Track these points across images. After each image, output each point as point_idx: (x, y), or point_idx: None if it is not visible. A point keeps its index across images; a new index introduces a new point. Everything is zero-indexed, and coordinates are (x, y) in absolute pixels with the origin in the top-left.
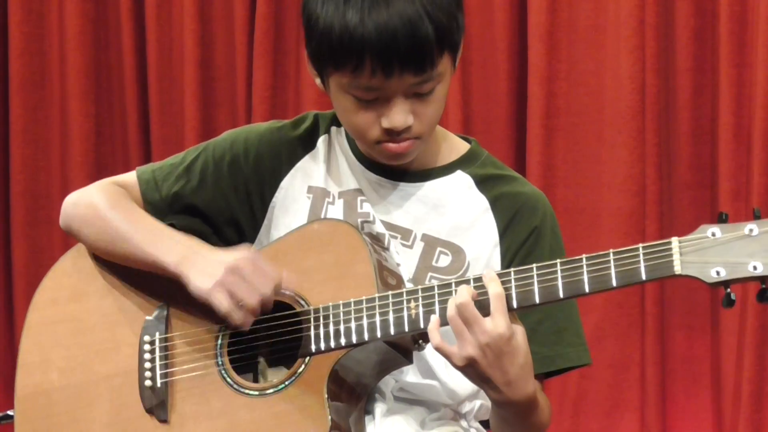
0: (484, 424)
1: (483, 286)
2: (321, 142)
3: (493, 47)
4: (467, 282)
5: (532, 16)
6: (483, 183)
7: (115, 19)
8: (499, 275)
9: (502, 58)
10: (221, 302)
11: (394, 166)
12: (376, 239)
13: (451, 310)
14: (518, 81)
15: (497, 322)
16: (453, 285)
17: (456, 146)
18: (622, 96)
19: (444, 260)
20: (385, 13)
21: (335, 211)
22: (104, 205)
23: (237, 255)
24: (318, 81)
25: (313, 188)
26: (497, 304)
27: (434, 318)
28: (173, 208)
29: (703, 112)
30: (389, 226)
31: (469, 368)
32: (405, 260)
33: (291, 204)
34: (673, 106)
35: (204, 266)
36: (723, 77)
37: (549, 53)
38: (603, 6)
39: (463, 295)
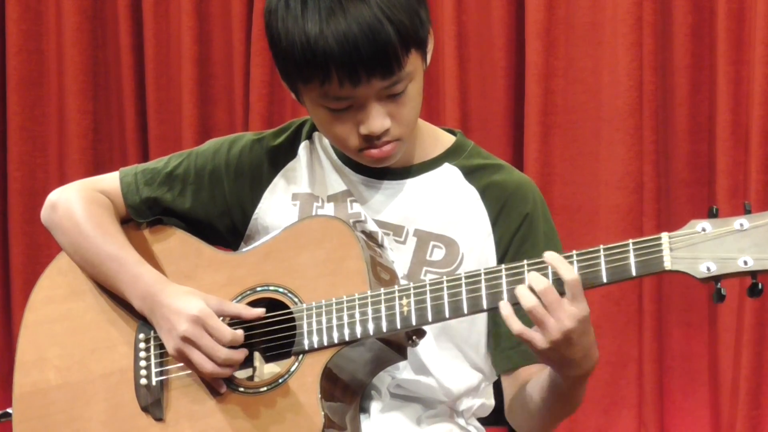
0: (482, 421)
1: (477, 278)
2: (302, 148)
3: (491, 44)
4: (459, 278)
5: (529, 13)
6: (471, 174)
7: (112, 16)
8: (489, 271)
9: (499, 56)
10: (188, 367)
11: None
12: (371, 237)
13: (530, 300)
14: (516, 78)
15: (581, 306)
16: (444, 282)
17: (441, 139)
18: (620, 93)
19: (438, 254)
20: (344, 22)
21: (325, 214)
22: (81, 219)
23: (190, 315)
24: (294, 96)
25: (299, 195)
26: (577, 289)
27: (504, 304)
28: (153, 211)
29: (701, 109)
30: (381, 224)
31: (552, 351)
32: (399, 257)
33: (276, 212)
34: (670, 103)
35: (164, 323)
36: (720, 74)
37: (546, 50)
38: (600, 3)
39: (542, 281)
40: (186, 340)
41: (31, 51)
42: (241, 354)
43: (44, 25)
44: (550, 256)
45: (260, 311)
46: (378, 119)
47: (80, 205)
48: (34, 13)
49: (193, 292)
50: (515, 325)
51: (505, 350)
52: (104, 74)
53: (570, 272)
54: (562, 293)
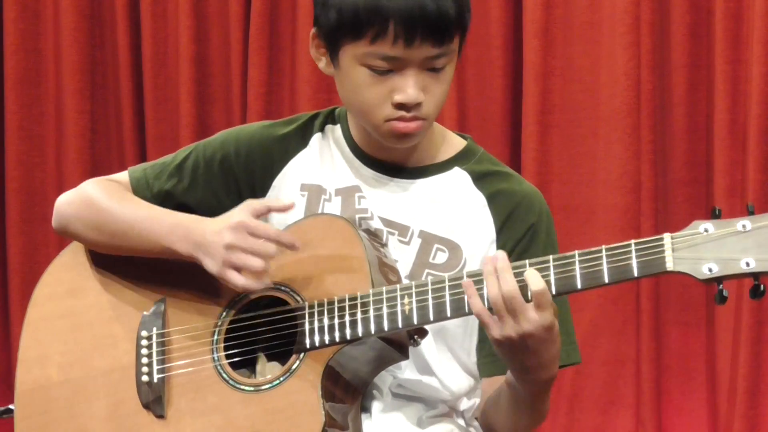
0: None
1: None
2: (314, 139)
3: (489, 44)
4: (460, 278)
5: (527, 12)
6: (480, 180)
7: (110, 16)
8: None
9: (497, 55)
10: (234, 280)
11: (392, 162)
12: (375, 235)
13: (497, 299)
14: (513, 77)
15: (544, 315)
16: (446, 281)
17: (452, 143)
18: (617, 92)
19: (441, 257)
20: None
21: (332, 207)
22: (100, 198)
23: (230, 224)
24: (322, 63)
25: (307, 186)
26: (542, 299)
27: (468, 281)
28: (164, 206)
29: (699, 108)
30: (386, 223)
31: (505, 346)
32: (402, 257)
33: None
34: (668, 103)
35: (207, 247)
36: (718, 74)
37: (544, 50)
38: (598, 2)
39: (511, 285)
40: (230, 247)
41: (29, 50)
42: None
43: (42, 24)
44: (529, 271)
45: (291, 202)
46: (415, 89)
47: (95, 189)
48: (32, 13)
49: (231, 211)
50: (476, 304)
51: (488, 356)
52: (102, 74)
53: (537, 283)
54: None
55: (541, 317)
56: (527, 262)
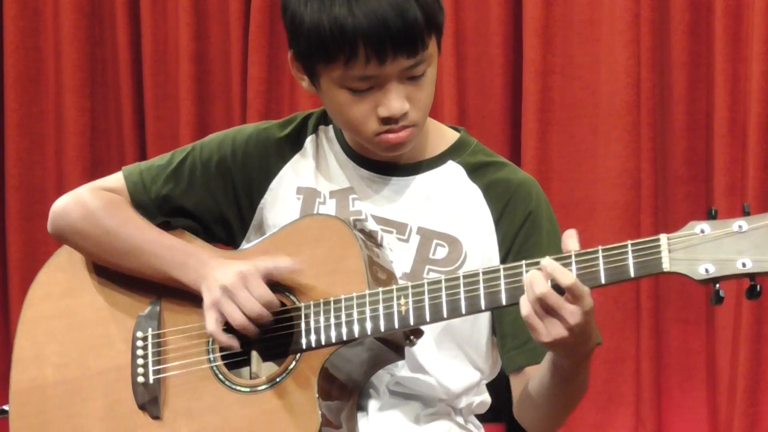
0: (480, 418)
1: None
2: (309, 141)
3: (489, 41)
4: (457, 278)
5: (527, 10)
6: (474, 171)
7: (110, 13)
8: (487, 271)
9: (497, 53)
10: (209, 323)
11: (385, 161)
12: (370, 236)
13: (526, 307)
14: (513, 75)
15: (583, 302)
16: (443, 282)
17: (445, 136)
18: (617, 90)
19: (441, 252)
20: (374, 1)
21: (327, 210)
22: (102, 216)
23: (236, 270)
24: (305, 83)
25: (303, 189)
26: (576, 291)
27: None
28: (162, 210)
29: (698, 106)
30: (384, 221)
31: (557, 345)
32: (401, 254)
33: (280, 205)
34: (668, 101)
35: (209, 282)
36: (718, 72)
37: (544, 47)
38: (598, 0)
39: (541, 285)
40: (225, 290)
41: (29, 48)
42: (270, 318)
43: (42, 22)
44: (548, 264)
45: (298, 266)
46: (398, 101)
47: (97, 205)
48: (32, 11)
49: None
50: (525, 307)
51: (510, 350)
52: (102, 71)
53: (567, 277)
54: (562, 292)
55: (581, 305)
56: (524, 263)
